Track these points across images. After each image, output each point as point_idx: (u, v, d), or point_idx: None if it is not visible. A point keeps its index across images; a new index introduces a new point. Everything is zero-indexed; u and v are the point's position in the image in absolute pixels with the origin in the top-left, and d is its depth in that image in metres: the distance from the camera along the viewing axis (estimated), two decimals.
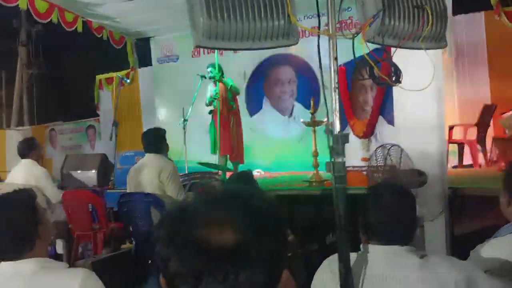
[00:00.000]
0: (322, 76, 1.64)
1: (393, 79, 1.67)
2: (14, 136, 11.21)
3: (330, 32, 1.57)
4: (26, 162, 4.46)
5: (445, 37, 1.81)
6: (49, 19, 6.66)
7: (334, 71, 1.62)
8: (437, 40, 1.76)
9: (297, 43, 1.61)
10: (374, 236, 1.62)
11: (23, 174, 4.35)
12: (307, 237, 4.52)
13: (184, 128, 5.87)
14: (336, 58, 1.61)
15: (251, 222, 0.74)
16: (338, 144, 1.60)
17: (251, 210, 0.76)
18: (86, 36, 7.66)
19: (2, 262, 1.76)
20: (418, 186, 3.32)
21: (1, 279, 1.74)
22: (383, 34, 1.64)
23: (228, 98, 6.21)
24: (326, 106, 1.67)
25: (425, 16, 1.66)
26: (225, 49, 1.52)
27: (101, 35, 7.81)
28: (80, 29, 7.19)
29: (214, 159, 6.02)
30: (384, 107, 4.47)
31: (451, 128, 6.11)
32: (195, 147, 6.51)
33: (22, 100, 15.38)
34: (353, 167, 4.52)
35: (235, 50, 1.55)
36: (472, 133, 6.07)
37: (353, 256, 1.66)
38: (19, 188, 1.98)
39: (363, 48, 1.61)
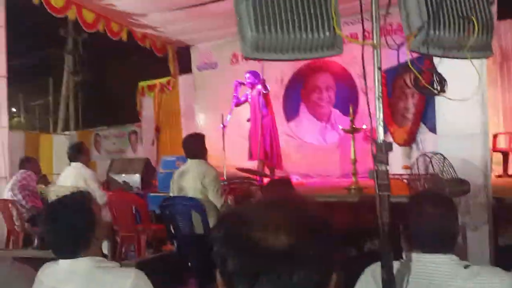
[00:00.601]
0: (366, 85, 1.67)
1: (437, 88, 1.68)
2: (60, 141, 11.74)
3: (375, 42, 1.60)
4: (76, 165, 4.69)
5: (490, 46, 1.80)
6: (96, 29, 6.97)
7: (378, 80, 1.65)
8: (483, 49, 1.75)
9: (341, 53, 1.65)
10: (417, 245, 1.63)
11: (73, 176, 4.58)
12: (345, 244, 4.50)
13: (223, 134, 5.97)
14: (380, 68, 1.64)
15: (304, 225, 0.79)
16: (381, 153, 1.62)
17: (303, 214, 0.82)
18: (130, 44, 7.95)
19: (61, 260, 1.88)
20: (460, 195, 3.26)
21: (60, 276, 1.85)
22: (428, 44, 1.65)
23: (261, 103, 6.29)
24: (370, 115, 1.70)
25: (471, 26, 1.66)
26: (273, 60, 1.58)
27: (144, 44, 8.10)
28: (125, 38, 7.49)
29: (251, 165, 6.11)
30: (425, 114, 4.41)
31: (495, 136, 5.93)
32: (233, 153, 6.61)
33: (68, 106, 16.06)
34: (393, 175, 4.47)
35: (282, 60, 1.61)
36: None
37: (395, 264, 1.68)
38: (76, 190, 2.10)
39: (408, 55, 1.63)
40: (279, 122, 7.99)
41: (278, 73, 8.14)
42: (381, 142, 1.63)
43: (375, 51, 1.63)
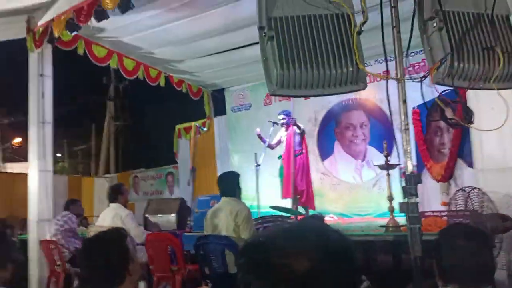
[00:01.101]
0: (391, 120, 1.68)
1: (466, 120, 1.67)
2: (101, 183, 12.12)
3: (398, 76, 1.63)
4: (114, 206, 4.83)
5: None
6: (135, 76, 7.32)
7: (403, 113, 1.67)
8: (510, 80, 1.74)
9: (365, 88, 1.68)
10: (452, 279, 1.58)
11: (111, 217, 4.70)
12: (385, 285, 4.34)
13: (256, 173, 6.02)
14: (405, 101, 1.66)
15: (324, 251, 0.81)
16: (411, 184, 1.61)
17: (324, 240, 0.83)
18: (167, 89, 8.27)
19: None
20: (503, 232, 3.12)
21: None
22: (453, 76, 1.66)
23: (296, 142, 6.35)
24: (397, 148, 1.70)
25: (496, 57, 1.66)
26: (297, 96, 1.63)
27: (181, 88, 8.41)
28: (163, 84, 7.81)
29: (285, 203, 6.09)
30: (462, 149, 4.30)
31: None
32: (267, 191, 6.62)
33: (109, 151, 16.66)
34: (433, 212, 4.33)
35: (306, 96, 1.66)
36: None
37: None
38: (111, 228, 2.18)
39: (435, 90, 1.64)
40: (314, 161, 7.99)
41: (311, 112, 8.22)
42: (410, 174, 1.62)
43: (399, 85, 1.66)
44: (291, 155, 6.32)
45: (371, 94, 7.57)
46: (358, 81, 1.66)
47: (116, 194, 4.90)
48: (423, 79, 1.64)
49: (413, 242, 1.55)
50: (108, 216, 4.75)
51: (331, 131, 8.11)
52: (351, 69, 1.64)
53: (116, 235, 2.05)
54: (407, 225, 1.58)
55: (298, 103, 8.34)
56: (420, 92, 1.80)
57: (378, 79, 7.38)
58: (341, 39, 1.64)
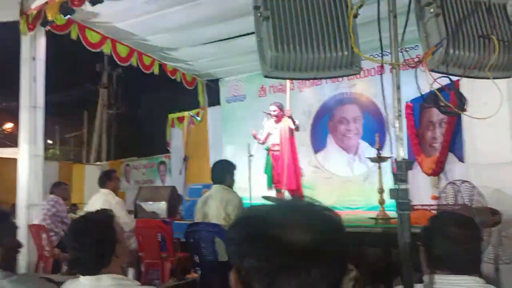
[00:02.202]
0: (385, 105, 1.67)
1: (458, 107, 1.67)
2: (92, 171, 12.05)
3: (393, 61, 1.62)
4: (104, 192, 4.81)
5: None
6: (128, 63, 7.26)
7: (397, 99, 1.66)
8: (505, 69, 1.74)
9: (359, 72, 1.67)
10: (441, 266, 1.58)
11: (100, 202, 4.67)
12: (374, 277, 4.36)
13: (249, 163, 6.01)
14: (399, 87, 1.65)
15: (324, 224, 0.81)
16: (402, 171, 1.61)
17: (321, 214, 0.83)
18: (161, 77, 8.21)
19: (81, 277, 1.91)
20: (492, 226, 3.14)
21: None
22: (448, 63, 1.66)
23: (288, 135, 6.35)
24: (389, 136, 1.69)
25: (491, 45, 1.66)
26: (292, 79, 1.62)
27: (175, 77, 8.36)
28: (156, 72, 7.75)
29: (274, 194, 6.11)
30: (454, 144, 4.32)
31: None
32: (260, 182, 6.62)
33: (101, 138, 16.55)
34: (422, 205, 4.36)
35: (301, 79, 1.64)
36: None
37: (418, 287, 1.62)
38: (99, 209, 2.16)
39: (429, 77, 1.63)
40: (307, 154, 8.00)
41: (305, 105, 8.22)
42: (401, 160, 1.61)
43: (394, 70, 1.65)
44: (285, 146, 6.31)
45: (365, 89, 7.58)
46: (352, 65, 1.65)
47: (106, 180, 4.88)
48: (418, 64, 1.63)
49: (402, 228, 1.54)
50: (97, 202, 4.72)
51: (324, 125, 8.11)
52: (346, 52, 1.62)
53: (103, 216, 2.03)
54: (397, 211, 1.57)
55: (293, 96, 8.32)
56: (413, 87, 1.78)
57: (373, 73, 7.40)
58: (337, 22, 1.62)
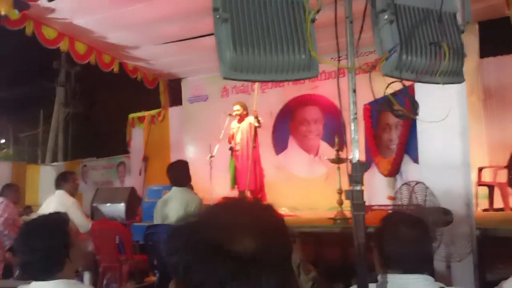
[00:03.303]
0: (341, 108, 1.71)
1: (411, 111, 1.73)
2: (47, 172, 11.62)
3: (349, 65, 1.65)
4: (59, 193, 4.65)
5: (462, 72, 1.86)
6: (87, 61, 7.06)
7: (353, 102, 1.70)
8: (455, 75, 1.81)
9: (317, 75, 1.70)
10: (393, 265, 1.63)
11: (55, 204, 4.52)
12: (333, 276, 4.44)
13: (210, 164, 5.98)
14: (354, 91, 1.69)
15: (268, 229, 0.79)
16: (357, 172, 1.64)
17: (265, 217, 0.82)
18: (121, 77, 8.04)
19: (33, 282, 1.84)
20: (444, 225, 3.26)
21: None
22: (401, 68, 1.71)
23: (252, 135, 6.36)
24: (345, 137, 1.73)
25: (442, 51, 1.73)
26: (250, 81, 1.62)
27: (135, 76, 8.20)
28: (116, 71, 7.59)
29: (235, 194, 6.11)
30: (409, 146, 4.47)
31: (480, 170, 6.00)
32: (221, 183, 6.60)
33: (58, 138, 15.99)
34: (379, 206, 4.48)
35: (259, 81, 1.65)
36: (503, 176, 5.93)
37: (372, 286, 1.67)
38: (53, 212, 2.09)
39: (378, 80, 1.68)
40: (269, 155, 8.05)
41: (267, 106, 8.26)
42: (357, 162, 1.65)
43: (350, 74, 1.69)
44: (248, 147, 6.32)
45: (326, 91, 7.71)
46: (310, 68, 1.67)
47: (62, 181, 4.72)
48: (372, 69, 1.67)
49: (357, 229, 1.58)
50: (52, 204, 4.56)
51: (286, 126, 8.19)
52: (303, 56, 1.65)
53: (57, 219, 1.97)
54: (352, 212, 1.61)
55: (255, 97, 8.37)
56: (369, 89, 1.83)
57: (334, 76, 7.55)
58: (295, 26, 1.64)
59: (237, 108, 6.50)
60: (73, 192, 4.90)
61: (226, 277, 0.72)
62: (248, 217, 0.81)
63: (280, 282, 0.77)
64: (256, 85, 6.47)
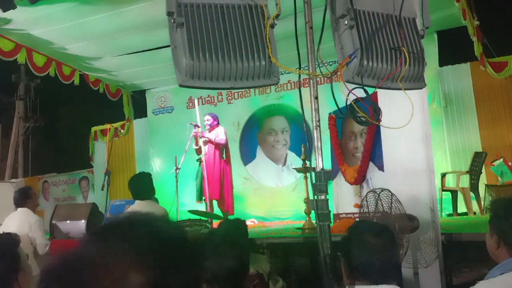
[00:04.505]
0: (303, 114, 1.67)
1: (374, 118, 1.70)
2: (5, 189, 11.10)
3: (310, 71, 1.61)
4: (21, 211, 4.40)
5: (423, 78, 1.86)
6: (46, 73, 6.82)
7: (315, 110, 1.66)
8: (416, 80, 1.81)
9: (277, 83, 1.65)
10: (360, 276, 1.58)
11: (17, 222, 4.27)
12: (301, 286, 4.40)
13: (176, 176, 5.85)
14: (316, 97, 1.65)
15: (159, 255, 0.63)
16: (320, 181, 1.60)
17: (152, 239, 0.64)
18: (82, 89, 7.82)
19: None
20: (410, 232, 3.27)
21: None
22: (362, 74, 1.69)
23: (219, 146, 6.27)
24: (308, 145, 1.69)
25: (402, 57, 1.71)
26: (208, 88, 1.55)
27: (97, 88, 7.98)
28: (77, 82, 7.36)
29: (200, 207, 6.00)
30: (374, 153, 4.51)
31: (443, 176, 6.12)
32: (187, 195, 6.48)
33: (18, 153, 15.37)
34: (347, 214, 4.48)
35: (217, 89, 1.58)
36: (465, 181, 6.07)
37: None
38: (2, 232, 1.95)
39: (341, 87, 1.65)
40: (237, 165, 7.97)
41: (234, 117, 8.22)
42: (320, 171, 1.60)
43: (311, 81, 1.65)
44: (216, 157, 6.23)
45: (293, 100, 7.74)
46: (271, 75, 1.62)
47: (24, 198, 4.47)
48: (333, 75, 1.64)
49: (322, 239, 1.53)
50: (14, 222, 4.31)
51: (253, 136, 8.16)
52: (263, 62, 1.59)
53: (6, 241, 1.84)
54: (316, 222, 1.55)
55: (222, 107, 8.31)
56: (338, 98, 1.80)
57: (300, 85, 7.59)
58: (254, 31, 1.59)
59: (206, 118, 6.40)
60: (35, 209, 4.67)
61: None
62: (133, 243, 0.63)
63: None
64: (196, 102, 6.34)
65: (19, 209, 4.44)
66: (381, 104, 3.41)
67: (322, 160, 1.62)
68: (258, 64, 1.58)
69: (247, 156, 8.17)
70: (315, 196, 1.57)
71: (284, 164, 7.87)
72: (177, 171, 5.84)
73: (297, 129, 7.72)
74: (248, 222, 6.34)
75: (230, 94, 8.37)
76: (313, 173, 1.69)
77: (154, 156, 8.89)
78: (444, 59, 7.23)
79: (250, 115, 8.24)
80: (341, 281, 1.69)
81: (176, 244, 0.66)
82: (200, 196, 6.12)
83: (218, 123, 6.40)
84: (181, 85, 1.55)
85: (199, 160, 6.18)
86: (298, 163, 6.59)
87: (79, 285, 0.60)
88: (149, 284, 0.59)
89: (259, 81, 1.61)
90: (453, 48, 7.55)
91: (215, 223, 5.00)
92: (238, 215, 6.55)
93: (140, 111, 9.21)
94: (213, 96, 8.50)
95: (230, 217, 6.18)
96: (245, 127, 8.29)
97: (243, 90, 8.05)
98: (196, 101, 6.37)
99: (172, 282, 0.62)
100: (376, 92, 3.43)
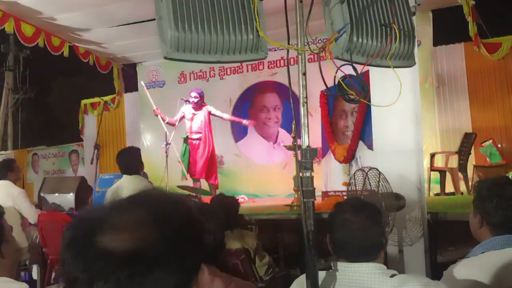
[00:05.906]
0: (291, 88, 1.64)
1: (361, 95, 1.68)
2: None
3: (298, 46, 1.58)
4: (4, 183, 4.40)
5: (413, 56, 1.83)
6: (35, 43, 6.69)
7: (302, 86, 1.63)
8: (406, 59, 1.78)
9: (265, 57, 1.62)
10: (341, 253, 1.59)
11: (0, 195, 4.27)
12: (291, 262, 4.45)
13: (166, 152, 5.83)
14: (304, 73, 1.62)
15: (157, 225, 0.73)
16: (306, 158, 1.59)
17: (157, 214, 0.75)
18: (72, 61, 7.69)
19: None
20: (396, 210, 3.30)
21: None
22: (351, 51, 1.66)
23: (207, 124, 6.29)
24: (296, 122, 1.67)
25: (393, 34, 1.68)
26: (193, 61, 1.52)
27: (87, 60, 7.85)
28: (66, 54, 7.23)
29: (189, 183, 6.03)
30: (364, 132, 4.51)
31: (432, 155, 6.16)
32: (177, 171, 6.47)
33: (7, 125, 15.19)
34: (335, 191, 4.51)
35: (203, 62, 1.55)
36: (454, 161, 6.13)
37: (322, 274, 1.63)
38: None
39: (330, 65, 1.62)
40: (227, 142, 7.97)
41: (225, 92, 8.16)
42: (306, 148, 1.59)
43: (299, 56, 1.62)
44: (206, 136, 6.24)
45: (285, 78, 7.68)
46: (258, 49, 1.59)
47: (5, 171, 4.46)
48: (321, 50, 1.61)
49: (306, 216, 1.53)
50: None
51: (245, 113, 8.11)
52: (251, 36, 1.56)
53: None
54: (301, 199, 1.55)
55: (214, 83, 8.24)
56: (330, 76, 1.77)
57: (293, 62, 7.52)
58: (242, 3, 1.55)
59: (194, 95, 6.34)
60: (18, 182, 4.66)
61: (92, 276, 0.69)
62: (133, 215, 0.74)
63: (171, 284, 0.71)
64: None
65: (0, 181, 4.44)
66: (372, 83, 3.40)
67: (309, 137, 1.61)
68: (245, 37, 1.54)
69: (239, 133, 8.15)
70: (300, 173, 1.56)
71: (275, 141, 7.87)
72: (168, 146, 5.82)
73: (289, 107, 7.67)
74: (239, 199, 6.39)
75: (223, 70, 8.28)
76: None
77: (144, 130, 8.83)
78: (438, 39, 7.19)
79: (243, 91, 8.17)
80: (329, 257, 1.70)
81: (180, 221, 0.76)
82: (184, 173, 6.13)
83: (203, 101, 6.38)
84: (165, 58, 1.51)
85: (186, 138, 6.19)
86: (289, 140, 6.60)
87: (85, 232, 0.72)
88: (133, 249, 0.69)
89: (247, 55, 1.57)
90: (448, 28, 7.50)
91: (204, 198, 5.02)
92: (229, 192, 6.59)
93: (131, 84, 9.10)
94: (206, 71, 8.41)
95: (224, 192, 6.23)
96: (237, 103, 8.23)
97: (235, 65, 7.96)
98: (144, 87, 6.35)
99: (158, 251, 0.70)
100: (368, 71, 3.41)
